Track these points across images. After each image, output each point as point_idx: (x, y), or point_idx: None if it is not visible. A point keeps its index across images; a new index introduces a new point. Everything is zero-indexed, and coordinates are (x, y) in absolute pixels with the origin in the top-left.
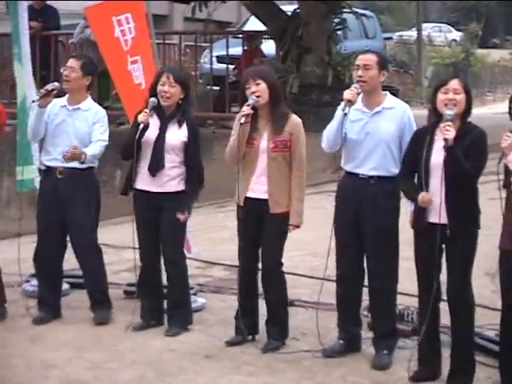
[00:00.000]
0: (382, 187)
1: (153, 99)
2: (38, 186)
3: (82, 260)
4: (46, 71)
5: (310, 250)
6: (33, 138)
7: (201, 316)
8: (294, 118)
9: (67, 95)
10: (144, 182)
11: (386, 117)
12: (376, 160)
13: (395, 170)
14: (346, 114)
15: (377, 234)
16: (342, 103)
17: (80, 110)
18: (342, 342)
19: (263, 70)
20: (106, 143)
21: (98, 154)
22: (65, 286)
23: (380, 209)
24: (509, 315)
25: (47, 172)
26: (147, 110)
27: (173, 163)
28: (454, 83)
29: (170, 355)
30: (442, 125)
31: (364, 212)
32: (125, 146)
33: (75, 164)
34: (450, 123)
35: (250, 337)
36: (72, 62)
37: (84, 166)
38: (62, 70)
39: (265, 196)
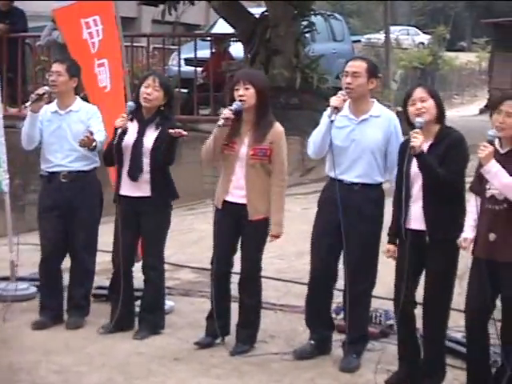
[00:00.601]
0: (365, 194)
1: (130, 103)
2: (5, 189)
3: (78, 261)
4: (12, 73)
5: (277, 253)
6: (28, 144)
7: (169, 319)
8: (277, 127)
9: (56, 100)
10: (125, 187)
11: (372, 125)
12: (361, 167)
13: (379, 179)
14: (332, 121)
15: (359, 240)
16: (329, 109)
17: (72, 112)
18: (312, 342)
19: (255, 74)
20: (106, 133)
21: (103, 141)
22: (32, 290)
23: (363, 216)
24: (473, 317)
25: (50, 178)
26: (124, 115)
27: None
28: (419, 92)
29: (138, 358)
30: (411, 133)
31: (348, 219)
32: (105, 152)
33: (78, 167)
34: (417, 130)
35: (219, 339)
36: (57, 67)
37: (88, 168)
38: (47, 76)
39: (243, 201)
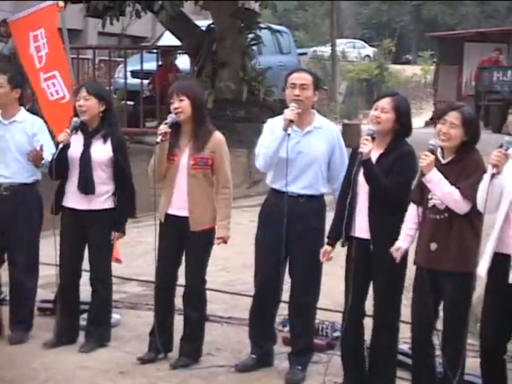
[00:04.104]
0: (310, 206)
1: (75, 119)
2: None
3: (17, 277)
4: None
5: (224, 266)
6: None
7: (116, 332)
8: (217, 136)
9: (0, 111)
10: (72, 199)
11: (317, 136)
12: (307, 179)
13: (323, 189)
14: (289, 135)
15: (306, 252)
16: (269, 122)
17: (16, 122)
18: (254, 356)
19: (189, 85)
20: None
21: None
22: None
23: (310, 228)
24: (419, 329)
25: None
26: (67, 130)
27: (99, 180)
28: (384, 102)
29: (84, 372)
30: (361, 139)
31: (294, 231)
32: (50, 166)
33: (21, 179)
34: (368, 137)
35: (162, 354)
36: None
37: (30, 180)
38: None
39: (185, 213)
